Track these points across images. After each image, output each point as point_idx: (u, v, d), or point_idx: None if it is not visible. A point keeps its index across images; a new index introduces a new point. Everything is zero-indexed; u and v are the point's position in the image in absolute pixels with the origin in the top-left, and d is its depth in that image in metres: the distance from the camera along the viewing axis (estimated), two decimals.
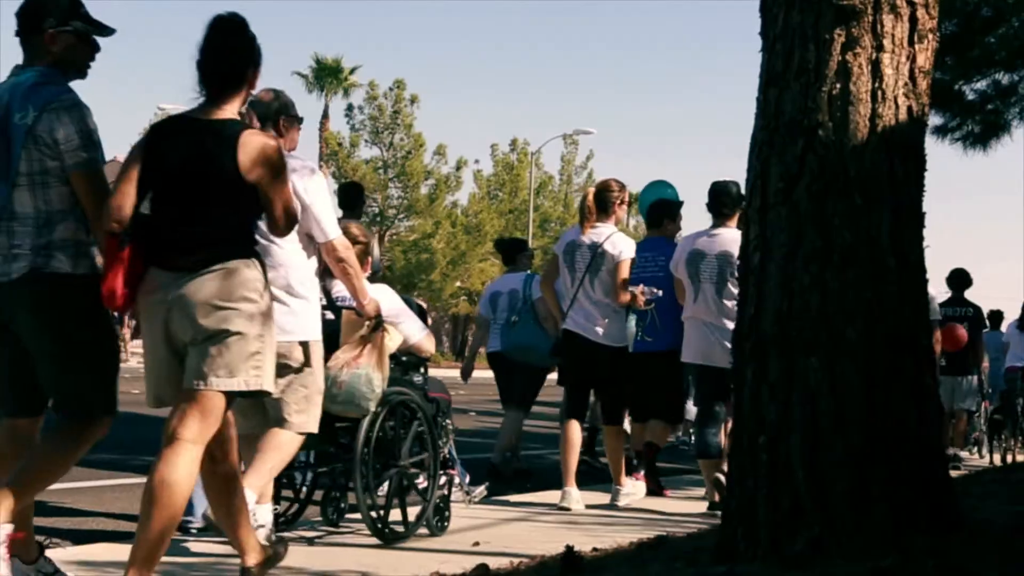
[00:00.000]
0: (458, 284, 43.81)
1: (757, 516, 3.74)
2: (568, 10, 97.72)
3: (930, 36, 3.95)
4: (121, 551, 4.05)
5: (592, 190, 7.16)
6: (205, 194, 3.84)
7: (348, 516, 5.84)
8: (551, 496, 7.09)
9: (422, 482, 5.65)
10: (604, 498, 7.19)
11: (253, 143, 3.84)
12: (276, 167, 3.89)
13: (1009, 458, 11.83)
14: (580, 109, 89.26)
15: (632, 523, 6.32)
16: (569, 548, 4.34)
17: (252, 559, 4.16)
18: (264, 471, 4.81)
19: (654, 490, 7.59)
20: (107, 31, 4.12)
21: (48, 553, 4.24)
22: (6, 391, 4.09)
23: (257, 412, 4.88)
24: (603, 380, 7.13)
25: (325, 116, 48.71)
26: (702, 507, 7.07)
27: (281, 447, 4.89)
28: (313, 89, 49.84)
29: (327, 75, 48.72)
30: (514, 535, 5.81)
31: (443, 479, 5.75)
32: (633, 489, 7.25)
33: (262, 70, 4.09)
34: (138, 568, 3.65)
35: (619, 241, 7.01)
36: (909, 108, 3.89)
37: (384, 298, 5.60)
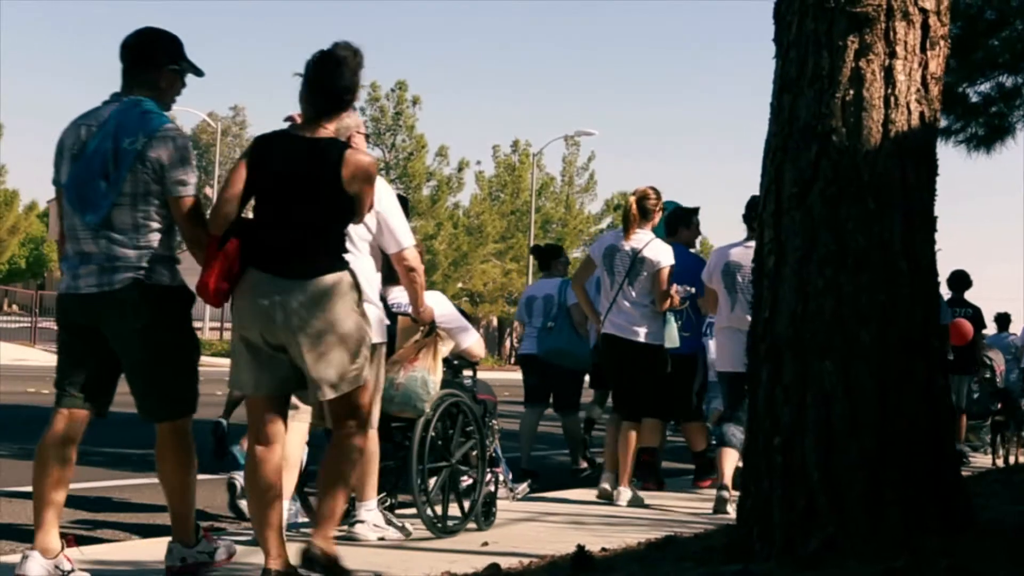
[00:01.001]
0: (460, 285, 43.85)
1: (772, 516, 3.79)
2: (570, 12, 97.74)
3: (942, 43, 4.00)
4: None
5: (634, 199, 7.37)
6: (309, 204, 4.16)
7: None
8: (557, 496, 7.17)
9: (469, 480, 5.96)
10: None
11: (356, 160, 4.19)
12: (372, 183, 4.26)
13: (1012, 460, 11.88)
14: (581, 110, 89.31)
15: (638, 523, 6.35)
16: (580, 548, 4.38)
17: (321, 540, 4.32)
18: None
19: (651, 486, 7.82)
20: (201, 73, 4.58)
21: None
22: (75, 386, 4.38)
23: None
24: (642, 379, 7.32)
25: None
26: (706, 508, 7.13)
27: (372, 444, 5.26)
28: None
29: None
30: (522, 535, 5.84)
31: (489, 476, 6.00)
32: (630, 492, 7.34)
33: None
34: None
35: (659, 248, 7.26)
36: (921, 114, 3.94)
37: (438, 305, 5.87)
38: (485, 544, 5.40)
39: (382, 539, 5.39)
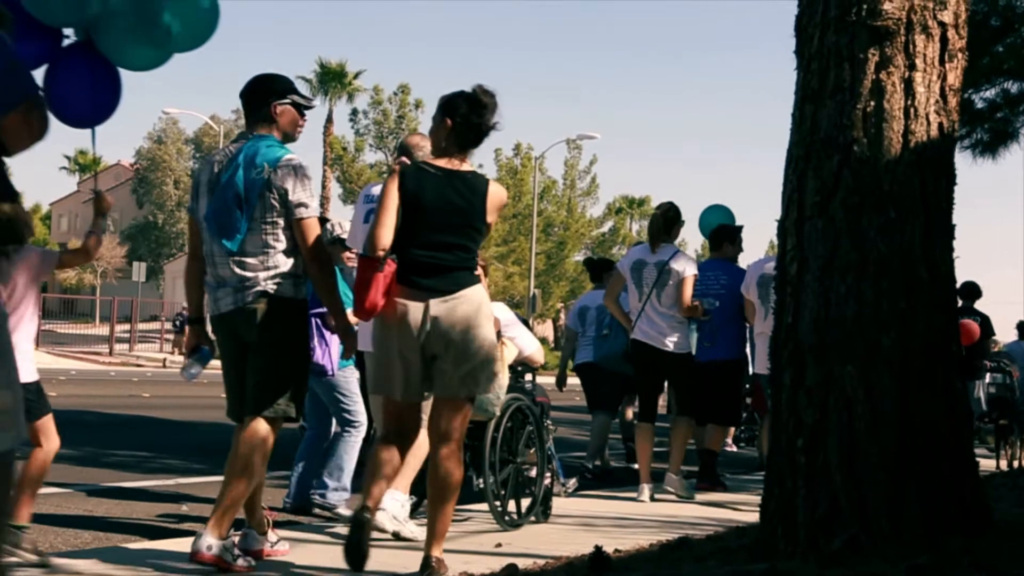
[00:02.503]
0: None
1: (795, 516, 3.88)
2: (572, 15, 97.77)
3: (959, 55, 4.09)
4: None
5: (659, 212, 7.95)
6: (456, 230, 4.70)
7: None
8: (482, 507, 7.27)
9: (530, 476, 6.36)
10: (616, 503, 7.44)
11: (497, 193, 4.82)
12: (502, 210, 4.96)
13: (1015, 463, 11.97)
14: (583, 114, 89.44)
15: (648, 525, 6.41)
16: (598, 548, 4.45)
17: (436, 549, 4.76)
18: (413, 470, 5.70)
19: (712, 487, 8.40)
20: (310, 105, 5.08)
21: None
22: (235, 398, 4.94)
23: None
24: (674, 383, 7.91)
25: (329, 120, 48.85)
26: (714, 511, 7.27)
27: (423, 447, 5.59)
28: (317, 93, 49.93)
29: (331, 79, 48.81)
30: (534, 536, 5.90)
31: (546, 473, 6.46)
32: (680, 486, 7.89)
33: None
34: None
35: (683, 259, 7.78)
36: (940, 125, 4.03)
37: (501, 314, 6.23)
38: (499, 545, 5.47)
39: (396, 533, 5.54)
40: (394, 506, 5.62)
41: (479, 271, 5.08)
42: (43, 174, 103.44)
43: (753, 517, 6.48)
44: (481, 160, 68.73)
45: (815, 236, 4.00)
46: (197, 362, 5.03)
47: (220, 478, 7.29)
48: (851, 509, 3.80)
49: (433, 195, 4.70)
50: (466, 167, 4.83)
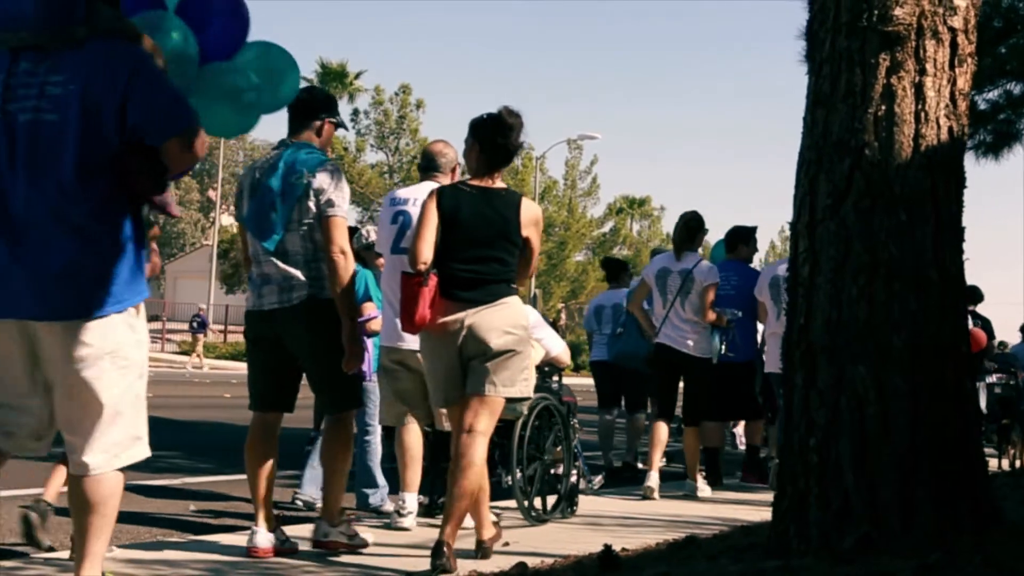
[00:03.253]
0: None
1: (808, 515, 3.94)
2: (573, 15, 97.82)
3: (969, 60, 4.14)
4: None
5: (682, 222, 8.34)
6: (492, 244, 5.04)
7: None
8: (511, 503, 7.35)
9: (556, 473, 6.64)
10: (621, 502, 7.54)
11: (530, 207, 5.18)
12: (540, 227, 5.21)
13: (1017, 463, 12.04)
14: (584, 114, 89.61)
15: (654, 524, 6.50)
16: (607, 547, 4.49)
17: (486, 533, 5.26)
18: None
19: (755, 481, 8.91)
20: (346, 127, 5.76)
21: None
22: (265, 391, 5.22)
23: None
24: (689, 386, 8.28)
25: None
26: (716, 510, 7.34)
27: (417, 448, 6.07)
28: None
29: (332, 80, 48.83)
30: (541, 535, 5.98)
31: (573, 470, 6.75)
32: (704, 487, 8.27)
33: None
34: (452, 527, 4.85)
35: (706, 268, 8.19)
36: (950, 129, 4.08)
37: (529, 317, 6.39)
38: (506, 544, 5.53)
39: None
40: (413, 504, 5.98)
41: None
42: None
43: (756, 516, 6.57)
44: None
45: (827, 238, 4.04)
46: None
47: (226, 477, 7.44)
48: (863, 508, 3.85)
49: (469, 212, 5.00)
50: (499, 185, 5.15)
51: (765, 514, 6.58)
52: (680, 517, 6.87)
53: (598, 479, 8.22)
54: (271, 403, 5.23)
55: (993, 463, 12.40)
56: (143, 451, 3.57)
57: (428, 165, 6.30)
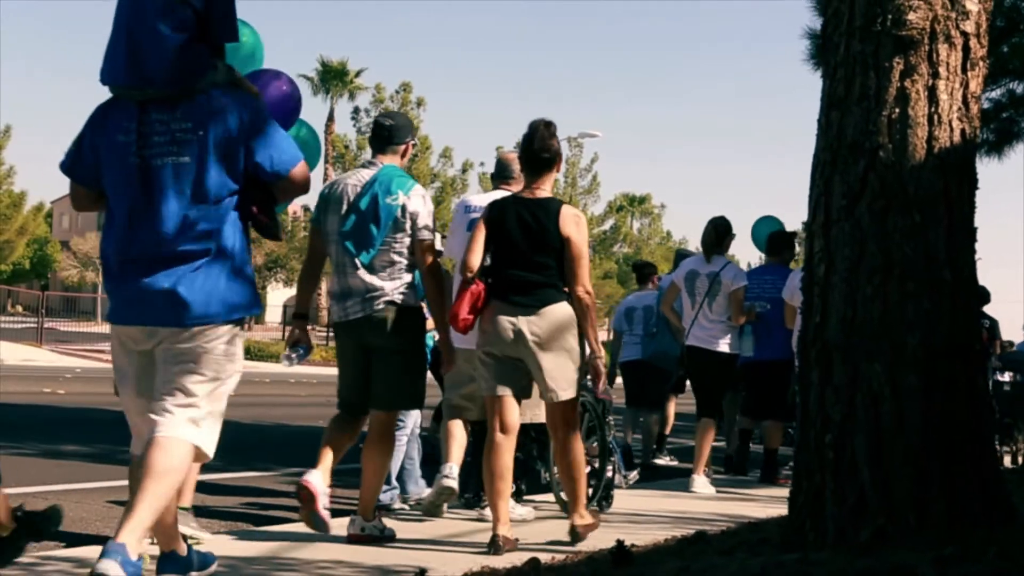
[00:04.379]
0: None
1: (824, 509, 4.02)
2: (573, 14, 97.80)
3: (981, 64, 4.22)
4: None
5: (710, 227, 8.69)
6: (537, 250, 5.43)
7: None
8: (548, 497, 7.44)
9: (589, 468, 6.72)
10: (627, 499, 7.62)
11: (568, 211, 5.51)
12: (583, 231, 5.54)
13: (1020, 460, 12.13)
14: (585, 112, 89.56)
15: (661, 521, 6.59)
16: (619, 542, 4.54)
17: (579, 519, 5.62)
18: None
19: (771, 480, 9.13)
20: (416, 145, 5.85)
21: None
22: (362, 397, 5.62)
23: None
24: (718, 382, 8.63)
25: (331, 119, 48.95)
26: (723, 506, 7.44)
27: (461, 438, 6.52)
28: (319, 92, 50.03)
29: (332, 78, 48.88)
30: (549, 532, 6.02)
31: (608, 465, 7.03)
32: (703, 486, 8.35)
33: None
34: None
35: (734, 271, 8.58)
36: (962, 131, 4.16)
37: None
38: (516, 540, 5.61)
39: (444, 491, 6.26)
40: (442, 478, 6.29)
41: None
42: (45, 172, 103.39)
43: (762, 512, 6.65)
44: (483, 158, 68.87)
45: (842, 239, 4.12)
46: (297, 354, 5.65)
47: (233, 475, 7.49)
48: (878, 502, 3.93)
49: (513, 222, 5.48)
50: (542, 194, 5.57)
51: (771, 510, 6.71)
52: (687, 514, 6.95)
53: (633, 474, 8.50)
54: (363, 408, 5.67)
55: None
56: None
57: (499, 174, 6.73)
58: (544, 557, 4.86)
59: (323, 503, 5.33)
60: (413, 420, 7.17)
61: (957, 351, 4.06)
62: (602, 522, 6.32)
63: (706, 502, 7.80)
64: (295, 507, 6.82)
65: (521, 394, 5.61)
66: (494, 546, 5.34)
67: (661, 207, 61.15)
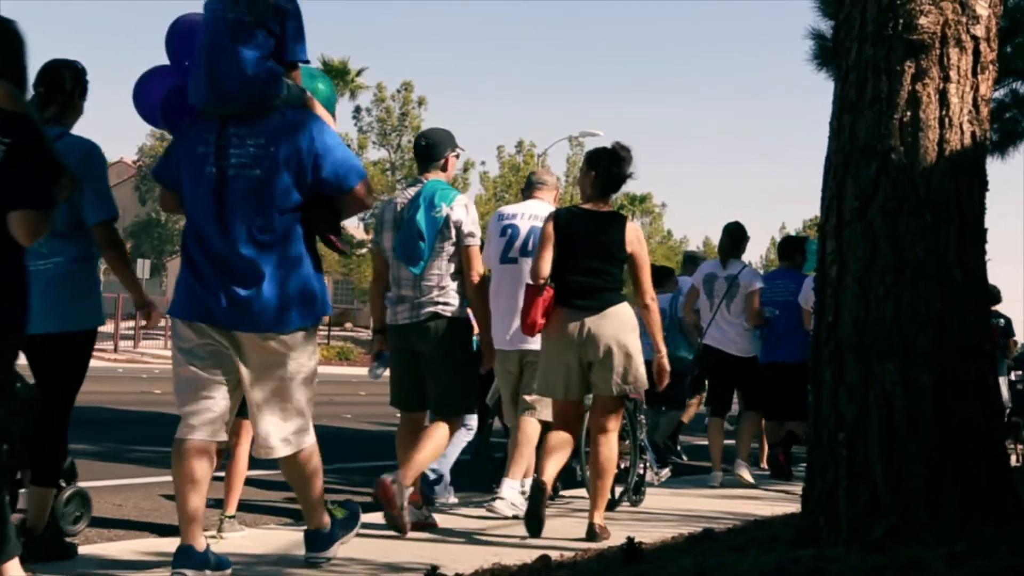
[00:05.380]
0: None
1: (837, 506, 4.08)
2: (574, 13, 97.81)
3: (991, 67, 4.28)
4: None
5: (727, 232, 9.08)
6: (602, 259, 5.84)
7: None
8: (581, 493, 7.52)
9: (623, 464, 7.08)
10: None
11: (633, 228, 5.93)
12: (644, 245, 5.98)
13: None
14: (586, 111, 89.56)
15: (667, 519, 6.63)
16: (630, 539, 4.60)
17: (599, 518, 5.84)
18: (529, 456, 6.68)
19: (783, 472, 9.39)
20: (462, 150, 6.27)
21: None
22: (408, 395, 6.01)
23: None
24: (735, 382, 9.02)
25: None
26: (727, 504, 7.52)
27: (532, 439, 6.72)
28: None
29: (334, 77, 48.75)
30: (556, 530, 6.05)
31: (640, 462, 7.31)
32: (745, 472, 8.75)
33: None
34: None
35: (751, 274, 8.92)
36: (973, 134, 4.22)
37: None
38: (524, 538, 5.65)
39: (516, 516, 6.25)
40: (512, 494, 6.43)
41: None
42: None
43: (768, 510, 6.71)
44: (484, 157, 68.95)
45: (854, 240, 4.18)
46: (381, 364, 6.12)
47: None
48: (891, 499, 3.99)
49: (582, 233, 5.83)
50: (607, 209, 5.98)
51: (776, 508, 6.77)
52: (693, 512, 7.00)
53: (665, 471, 8.68)
54: (413, 404, 6.04)
55: None
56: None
57: (530, 185, 7.16)
58: (554, 555, 4.90)
59: (401, 502, 5.68)
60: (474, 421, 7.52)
61: (968, 350, 4.12)
62: (609, 520, 6.41)
63: (711, 500, 7.85)
64: (263, 508, 6.89)
65: (582, 397, 5.97)
66: (592, 534, 5.77)
67: (662, 206, 61.13)
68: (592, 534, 5.72)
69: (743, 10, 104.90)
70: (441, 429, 5.91)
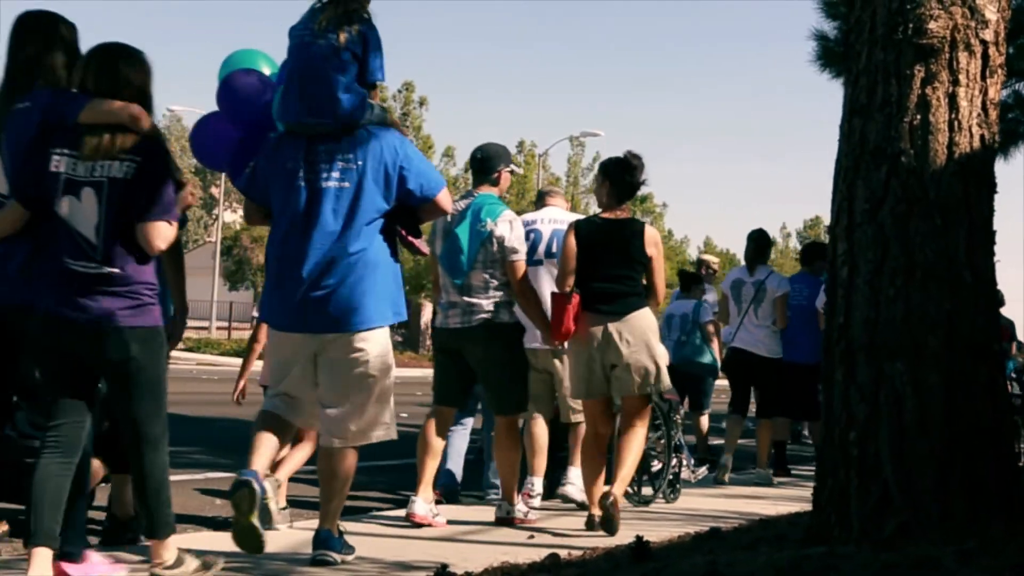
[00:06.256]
0: None
1: (848, 505, 4.13)
2: (575, 13, 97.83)
3: (999, 71, 4.34)
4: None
5: (751, 240, 9.60)
6: (623, 265, 6.19)
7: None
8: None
9: (659, 464, 7.61)
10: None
11: (651, 232, 6.27)
12: (661, 249, 6.31)
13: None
14: (587, 111, 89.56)
15: (672, 518, 6.70)
16: (639, 538, 4.65)
17: (618, 489, 6.14)
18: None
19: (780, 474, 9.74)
20: (520, 173, 7.14)
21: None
22: (446, 391, 6.38)
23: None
24: (762, 384, 9.48)
25: None
26: (732, 504, 7.61)
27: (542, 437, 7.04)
28: None
29: None
30: (563, 528, 6.20)
31: (674, 461, 7.71)
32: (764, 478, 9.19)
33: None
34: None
35: (778, 279, 9.44)
36: (982, 137, 4.27)
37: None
38: (531, 536, 5.74)
39: (584, 503, 6.67)
40: (578, 480, 6.83)
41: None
42: None
43: (772, 510, 6.77)
44: None
45: (865, 242, 4.23)
46: None
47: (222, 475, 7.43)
48: (902, 497, 4.03)
49: (602, 241, 6.20)
50: (624, 215, 6.31)
51: (780, 508, 6.84)
52: (696, 511, 7.06)
53: (702, 470, 8.91)
54: (449, 400, 6.42)
55: None
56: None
57: (541, 196, 7.61)
58: (562, 553, 4.95)
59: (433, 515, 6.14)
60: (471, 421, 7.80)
61: (977, 350, 4.17)
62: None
63: (715, 500, 7.93)
64: (309, 504, 6.95)
65: (597, 392, 6.29)
66: (590, 523, 6.11)
67: (663, 206, 61.13)
68: (604, 503, 6.01)
69: (744, 10, 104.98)
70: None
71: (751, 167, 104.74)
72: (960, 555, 3.63)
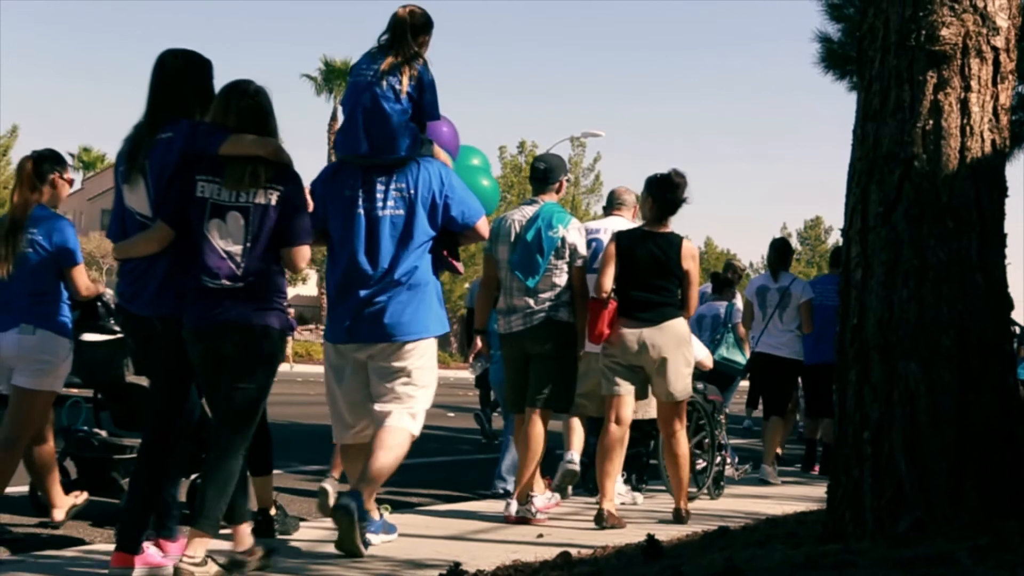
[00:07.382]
0: (467, 286, 44.05)
1: (863, 502, 4.21)
2: (576, 13, 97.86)
3: (1010, 77, 4.41)
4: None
5: (773, 248, 10.07)
6: (660, 276, 6.56)
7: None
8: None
9: (702, 463, 7.98)
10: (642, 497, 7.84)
11: (688, 247, 6.61)
12: (697, 262, 6.66)
13: None
14: (587, 112, 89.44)
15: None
16: (650, 536, 4.73)
17: (683, 503, 6.74)
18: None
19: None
20: (570, 179, 7.11)
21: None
22: (522, 397, 6.64)
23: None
24: (784, 384, 9.85)
25: (334, 118, 48.99)
26: (737, 503, 7.70)
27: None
28: (322, 91, 50.14)
29: (336, 77, 48.94)
30: (572, 528, 6.27)
31: (718, 459, 8.06)
32: (771, 476, 9.37)
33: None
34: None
35: (801, 285, 9.80)
36: (993, 141, 4.35)
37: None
38: (540, 536, 5.79)
39: (623, 503, 7.10)
40: (619, 483, 7.12)
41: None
42: None
43: (778, 509, 6.84)
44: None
45: (879, 244, 4.31)
46: (480, 364, 7.15)
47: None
48: (915, 495, 4.11)
49: (642, 251, 6.58)
50: (666, 230, 6.65)
51: (785, 508, 6.91)
52: (702, 511, 7.13)
53: (744, 468, 9.26)
54: (523, 407, 6.62)
55: None
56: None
57: (611, 203, 7.85)
58: (573, 552, 5.00)
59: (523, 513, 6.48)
60: None
61: (989, 350, 4.25)
62: (624, 518, 6.55)
63: (719, 499, 8.00)
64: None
65: (637, 395, 6.62)
66: (599, 519, 6.32)
67: None
68: (678, 516, 6.61)
69: (745, 10, 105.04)
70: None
71: (751, 167, 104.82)
72: (974, 551, 3.71)
